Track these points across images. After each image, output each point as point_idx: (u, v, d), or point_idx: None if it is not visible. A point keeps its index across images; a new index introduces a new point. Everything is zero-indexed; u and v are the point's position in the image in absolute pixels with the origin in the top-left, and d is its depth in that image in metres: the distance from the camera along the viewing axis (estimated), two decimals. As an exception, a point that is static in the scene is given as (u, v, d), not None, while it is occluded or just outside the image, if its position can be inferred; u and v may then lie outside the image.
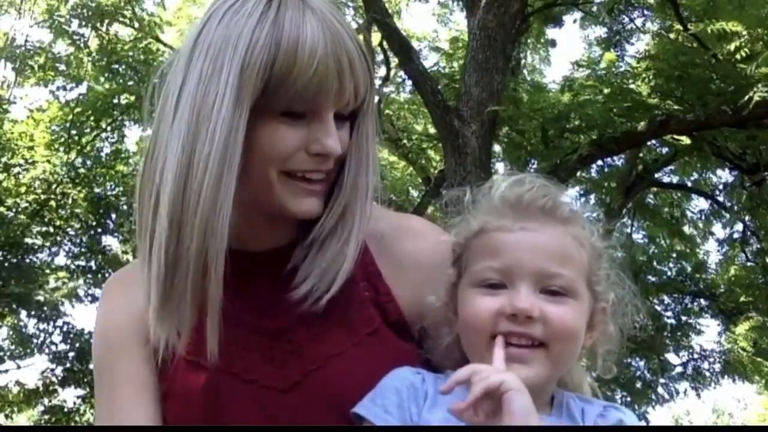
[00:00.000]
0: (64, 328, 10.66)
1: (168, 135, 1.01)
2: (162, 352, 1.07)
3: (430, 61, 11.45)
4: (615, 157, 9.22)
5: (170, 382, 1.11)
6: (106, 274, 10.78)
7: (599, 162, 8.94)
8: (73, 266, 10.70)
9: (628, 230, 10.89)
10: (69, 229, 10.51)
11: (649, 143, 8.45)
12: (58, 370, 10.65)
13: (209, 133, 0.98)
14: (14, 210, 9.82)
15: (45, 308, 10.31)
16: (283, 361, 1.08)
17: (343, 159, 1.09)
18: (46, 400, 10.82)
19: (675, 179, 10.59)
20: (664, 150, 9.31)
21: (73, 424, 10.61)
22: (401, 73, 10.01)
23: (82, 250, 10.64)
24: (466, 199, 1.09)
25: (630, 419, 1.02)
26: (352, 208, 1.09)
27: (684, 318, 10.57)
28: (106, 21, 9.87)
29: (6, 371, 10.94)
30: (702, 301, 10.74)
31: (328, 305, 1.06)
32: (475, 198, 1.09)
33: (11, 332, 10.94)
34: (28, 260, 10.17)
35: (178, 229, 0.99)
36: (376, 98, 1.30)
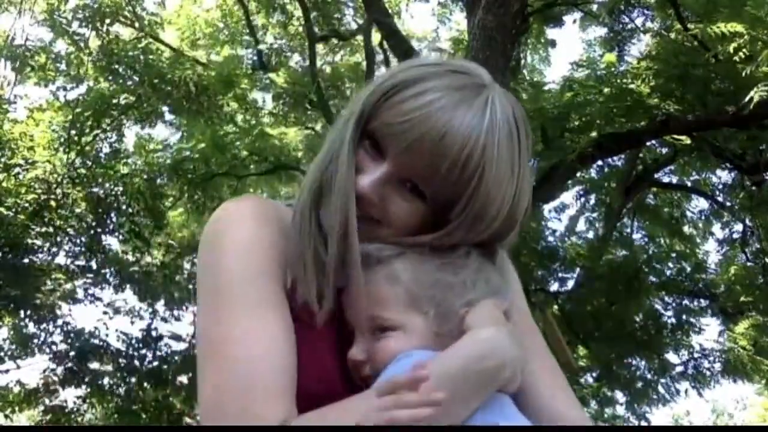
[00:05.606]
0: (65, 328, 10.65)
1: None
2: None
3: (430, 61, 11.44)
4: (615, 157, 9.22)
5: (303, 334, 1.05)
6: (107, 274, 10.77)
7: (599, 162, 8.94)
8: (73, 266, 10.67)
9: (628, 230, 10.90)
10: (69, 229, 10.48)
11: (649, 143, 8.45)
12: (59, 370, 10.63)
13: None
14: (14, 210, 9.79)
15: (42, 312, 10.31)
16: None
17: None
18: (46, 400, 10.80)
19: (675, 179, 10.60)
20: (664, 150, 9.32)
21: (73, 424, 10.60)
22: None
23: (82, 249, 10.62)
24: None
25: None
26: None
27: (684, 317, 10.56)
28: (107, 21, 9.85)
29: (6, 371, 10.93)
30: (702, 300, 10.73)
31: None
32: None
33: (11, 332, 10.92)
34: (27, 260, 10.15)
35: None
36: None
